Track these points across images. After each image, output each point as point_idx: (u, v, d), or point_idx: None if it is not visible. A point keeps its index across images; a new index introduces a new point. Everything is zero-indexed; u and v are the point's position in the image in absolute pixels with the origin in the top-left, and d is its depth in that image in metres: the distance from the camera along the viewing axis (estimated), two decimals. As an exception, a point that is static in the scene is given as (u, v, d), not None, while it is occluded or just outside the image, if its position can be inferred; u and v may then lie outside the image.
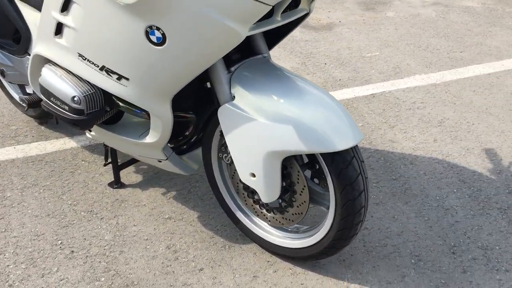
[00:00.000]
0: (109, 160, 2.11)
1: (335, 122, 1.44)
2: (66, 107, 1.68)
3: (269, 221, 1.75)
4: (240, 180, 1.74)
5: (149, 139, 1.71)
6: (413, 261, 1.81)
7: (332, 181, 1.51)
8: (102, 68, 1.56)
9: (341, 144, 1.42)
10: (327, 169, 1.51)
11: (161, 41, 1.39)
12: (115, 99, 1.72)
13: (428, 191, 2.15)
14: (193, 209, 2.07)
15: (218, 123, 1.70)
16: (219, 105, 1.59)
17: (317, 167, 1.62)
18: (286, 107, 1.46)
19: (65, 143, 2.53)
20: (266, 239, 1.80)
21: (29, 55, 2.09)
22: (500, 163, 2.34)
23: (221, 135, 1.70)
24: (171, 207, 2.09)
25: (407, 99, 2.91)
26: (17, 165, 2.36)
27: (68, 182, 2.25)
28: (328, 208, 1.63)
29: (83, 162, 2.38)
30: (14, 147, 2.50)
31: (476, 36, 3.80)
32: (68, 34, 1.58)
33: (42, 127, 2.66)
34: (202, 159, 1.88)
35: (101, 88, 1.69)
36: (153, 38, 1.40)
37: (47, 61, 1.77)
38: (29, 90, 2.57)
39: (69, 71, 1.69)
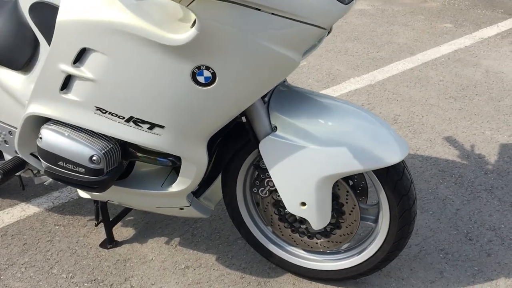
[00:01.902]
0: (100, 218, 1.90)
1: (383, 136, 1.45)
2: (82, 169, 1.47)
3: (311, 247, 1.70)
4: (275, 212, 1.67)
5: (177, 187, 1.56)
6: (441, 255, 1.88)
7: (387, 194, 1.51)
8: (130, 119, 1.39)
9: (395, 157, 1.43)
10: (379, 184, 1.50)
11: (210, 81, 1.28)
12: (134, 151, 1.55)
13: (419, 185, 2.25)
14: (207, 252, 1.94)
15: (245, 158, 1.62)
16: (256, 139, 1.51)
17: (351, 183, 1.61)
18: (333, 129, 1.44)
19: (23, 209, 2.22)
20: (305, 266, 1.74)
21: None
22: (464, 148, 2.53)
23: (255, 169, 1.61)
24: (183, 255, 1.93)
25: (354, 102, 3.02)
26: (-22, 246, 2.02)
27: (50, 253, 1.97)
28: (374, 222, 1.64)
29: (57, 227, 2.10)
30: (-37, 227, 2.13)
31: (382, 36, 4.08)
32: (81, 87, 1.38)
33: (-14, 197, 2.31)
34: (213, 198, 1.77)
35: (118, 141, 1.51)
36: (201, 79, 1.28)
37: (44, 120, 1.54)
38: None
39: (78, 127, 1.48)
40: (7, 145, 1.82)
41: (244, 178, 1.68)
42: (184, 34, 1.21)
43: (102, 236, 2.03)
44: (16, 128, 1.75)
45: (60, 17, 1.30)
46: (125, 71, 1.31)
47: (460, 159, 2.43)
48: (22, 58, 1.59)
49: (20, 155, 1.66)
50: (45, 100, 1.45)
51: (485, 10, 4.64)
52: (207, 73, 1.27)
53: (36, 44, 1.56)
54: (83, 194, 1.75)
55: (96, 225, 1.92)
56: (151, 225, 2.09)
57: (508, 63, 3.49)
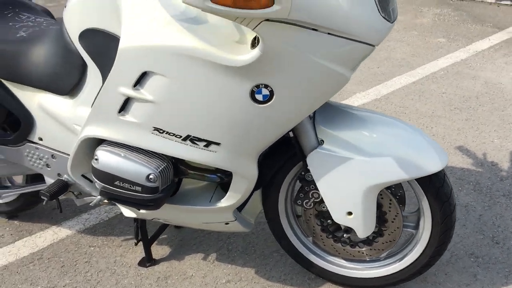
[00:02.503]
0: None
1: (424, 146, 1.53)
2: (139, 188, 1.51)
3: (353, 256, 1.76)
4: (317, 223, 1.73)
5: (226, 202, 1.62)
6: (472, 259, 1.96)
7: (429, 201, 1.58)
8: (187, 138, 1.45)
9: (436, 165, 1.51)
10: (422, 191, 1.58)
11: (268, 98, 1.35)
12: (185, 168, 1.60)
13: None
14: (246, 266, 1.99)
15: (289, 172, 1.69)
16: (302, 153, 1.58)
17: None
18: (377, 141, 1.51)
19: (55, 232, 2.24)
20: (346, 274, 1.80)
21: (29, 142, 1.83)
22: (476, 156, 2.63)
23: (299, 181, 1.67)
24: (222, 270, 1.97)
25: (365, 117, 3.11)
26: (15, 271, 2.02)
27: (90, 274, 1.99)
28: (414, 228, 1.71)
29: (92, 248, 2.13)
30: (-3, 252, 2.14)
31: (380, 51, 4.21)
32: (139, 109, 1.44)
33: (15, 222, 2.32)
34: (253, 211, 1.83)
35: (170, 159, 1.56)
36: (259, 97, 1.35)
37: (98, 142, 1.58)
38: (6, 183, 2.24)
39: (133, 147, 1.53)
40: (49, 169, 1.85)
41: (286, 191, 1.75)
42: (247, 55, 1.28)
43: (138, 255, 2.06)
44: (60, 152, 1.79)
45: (123, 44, 1.36)
46: (185, 92, 1.37)
47: (475, 167, 2.53)
48: (69, 83, 1.64)
49: (72, 177, 1.69)
50: (102, 123, 1.50)
51: (474, 24, 4.82)
52: (265, 91, 1.34)
53: (83, 69, 1.61)
54: (127, 213, 1.79)
55: (136, 244, 1.95)
56: (186, 242, 2.13)
57: (504, 74, 3.63)
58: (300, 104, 1.37)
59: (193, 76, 1.34)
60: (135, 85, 1.40)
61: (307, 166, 1.60)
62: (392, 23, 1.35)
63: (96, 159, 1.54)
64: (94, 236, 2.19)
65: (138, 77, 1.38)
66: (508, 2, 5.25)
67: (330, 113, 1.59)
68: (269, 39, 1.23)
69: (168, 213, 1.72)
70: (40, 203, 2.28)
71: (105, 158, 1.53)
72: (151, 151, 1.55)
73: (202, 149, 1.46)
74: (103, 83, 1.57)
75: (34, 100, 1.75)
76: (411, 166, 1.49)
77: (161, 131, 1.45)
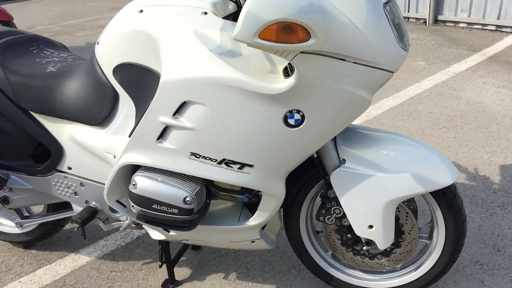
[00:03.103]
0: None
1: (437, 162, 1.67)
2: (176, 210, 1.61)
3: (371, 267, 1.88)
4: (338, 237, 1.84)
5: (255, 220, 1.72)
6: (477, 267, 2.09)
7: (442, 212, 1.72)
8: (222, 161, 1.56)
9: (449, 178, 1.65)
10: (436, 204, 1.72)
11: (299, 122, 1.48)
12: (216, 190, 1.70)
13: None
14: (266, 283, 2.08)
15: (310, 189, 1.81)
16: (324, 172, 1.70)
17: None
18: (395, 158, 1.65)
19: (74, 260, 2.29)
20: (365, 286, 1.91)
21: (58, 171, 1.91)
22: (469, 171, 2.80)
23: (321, 198, 1.79)
24: (244, 288, 2.06)
25: (359, 137, 3.27)
26: (40, 298, 2.07)
27: (115, 298, 2.05)
28: (427, 238, 1.84)
29: (113, 273, 2.19)
30: (19, 281, 2.18)
31: (365, 75, 4.40)
32: (177, 136, 1.54)
33: (33, 251, 2.37)
34: (273, 229, 1.93)
35: (203, 182, 1.66)
36: (291, 121, 1.47)
37: (133, 169, 1.67)
38: (25, 213, 2.29)
39: (168, 171, 1.63)
40: (77, 196, 1.93)
41: (307, 208, 1.86)
42: (283, 83, 1.41)
43: (160, 277, 2.14)
44: (89, 180, 1.87)
45: (164, 77, 1.48)
46: (223, 119, 1.48)
47: (469, 181, 2.70)
48: (101, 114, 1.73)
49: (107, 203, 1.77)
50: (141, 150, 1.60)
51: (450, 48, 5.09)
52: (297, 116, 1.47)
53: (115, 101, 1.71)
54: (155, 235, 1.87)
55: (160, 266, 2.02)
56: (205, 263, 2.21)
57: (484, 94, 3.86)
58: (328, 126, 1.50)
59: (231, 104, 1.46)
60: (174, 114, 1.51)
61: (329, 184, 1.73)
62: (407, 51, 1.50)
63: (134, 185, 1.63)
64: (114, 261, 2.26)
65: (178, 107, 1.49)
66: (479, 26, 5.56)
67: (349, 134, 1.72)
68: (304, 69, 1.36)
69: (198, 234, 1.81)
70: (57, 232, 2.34)
71: (143, 183, 1.62)
72: (185, 175, 1.65)
73: (236, 171, 1.57)
74: (136, 113, 1.67)
75: (64, 131, 1.84)
76: (426, 180, 1.62)
77: (198, 156, 1.56)
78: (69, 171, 1.89)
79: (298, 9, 1.23)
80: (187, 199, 1.60)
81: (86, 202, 1.92)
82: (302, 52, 1.34)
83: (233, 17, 1.66)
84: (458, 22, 5.69)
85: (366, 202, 1.67)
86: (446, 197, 1.70)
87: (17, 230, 2.26)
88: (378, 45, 1.39)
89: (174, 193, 1.60)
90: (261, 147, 1.52)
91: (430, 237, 1.84)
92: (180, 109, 1.51)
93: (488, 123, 3.37)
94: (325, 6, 1.30)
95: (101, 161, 1.80)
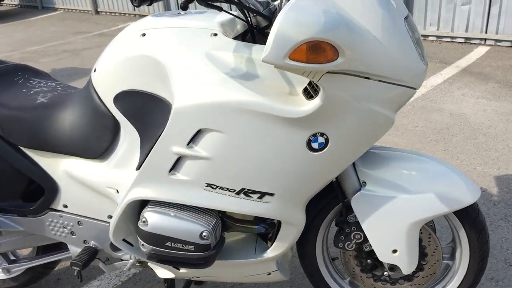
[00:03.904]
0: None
1: (458, 180, 1.61)
2: (191, 247, 1.48)
3: (393, 293, 1.79)
4: (357, 263, 1.75)
5: (273, 252, 1.61)
6: (493, 283, 2.04)
7: (466, 231, 1.66)
8: (241, 191, 1.45)
9: (472, 197, 1.59)
10: (459, 223, 1.66)
11: (323, 146, 1.39)
12: (231, 221, 1.59)
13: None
14: (279, 316, 1.96)
15: (327, 215, 1.72)
16: (343, 196, 1.62)
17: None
18: (417, 178, 1.58)
19: (67, 304, 2.12)
20: (386, 312, 1.83)
21: (53, 210, 1.75)
22: (465, 185, 2.77)
23: (341, 223, 1.70)
24: (257, 323, 1.94)
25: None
26: None
27: None
28: (449, 259, 1.77)
29: (112, 316, 2.03)
30: (8, 332, 1.99)
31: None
32: (192, 166, 1.43)
33: (22, 296, 2.18)
34: (286, 258, 1.83)
35: (218, 213, 1.55)
36: (315, 145, 1.38)
37: (142, 204, 1.54)
38: (11, 256, 2.10)
39: (182, 205, 1.51)
40: (74, 236, 1.77)
41: (323, 234, 1.77)
42: (308, 105, 1.32)
43: (164, 317, 1.99)
44: (87, 217, 1.73)
45: (177, 104, 1.37)
46: (242, 146, 1.38)
47: (468, 195, 2.67)
48: (100, 146, 1.60)
49: (116, 243, 1.62)
50: (151, 183, 1.48)
51: (423, 60, 5.14)
52: (321, 139, 1.38)
53: (116, 131, 1.59)
54: (163, 274, 1.74)
55: (166, 305, 1.88)
56: (211, 299, 2.08)
57: (465, 105, 3.89)
58: (352, 148, 1.42)
59: (251, 130, 1.36)
60: (188, 143, 1.40)
61: (348, 208, 1.64)
62: (427, 67, 1.45)
63: (144, 222, 1.50)
64: (112, 303, 2.10)
65: (193, 135, 1.38)
66: (448, 39, 5.66)
67: (367, 155, 1.64)
68: (329, 89, 1.28)
69: (211, 270, 1.69)
70: (47, 275, 2.16)
71: (155, 220, 1.49)
72: (199, 207, 1.53)
73: (255, 201, 1.47)
74: (142, 143, 1.55)
75: (59, 166, 1.69)
76: (449, 199, 1.56)
77: (215, 187, 1.45)
78: (65, 209, 1.74)
79: (328, 27, 1.16)
80: (204, 234, 1.48)
81: (85, 242, 1.77)
82: (328, 72, 1.26)
83: (242, 37, 1.57)
84: (427, 36, 5.79)
85: (389, 225, 1.59)
86: (470, 216, 1.64)
87: (2, 276, 2.08)
88: (402, 62, 1.33)
89: (190, 229, 1.48)
90: (282, 174, 1.42)
91: (452, 257, 1.77)
92: (194, 138, 1.40)
93: (475, 134, 3.38)
94: (351, 23, 1.23)
95: (101, 197, 1.66)
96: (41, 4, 10.60)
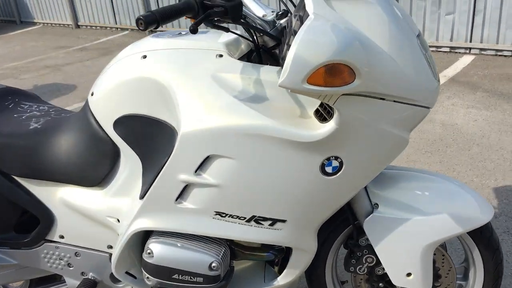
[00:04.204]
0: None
1: (471, 199, 1.56)
2: (200, 279, 1.41)
3: (406, 316, 1.74)
4: (369, 287, 1.70)
5: (284, 279, 1.54)
6: (503, 300, 2.00)
7: (480, 251, 1.61)
8: (251, 219, 1.38)
9: (486, 216, 1.55)
10: (473, 243, 1.61)
11: (337, 170, 1.33)
12: (240, 250, 1.52)
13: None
14: None
15: (336, 238, 1.66)
16: (354, 218, 1.56)
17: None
18: (430, 198, 1.53)
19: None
20: (398, 336, 1.77)
21: (48, 241, 1.66)
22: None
23: (352, 247, 1.64)
24: None
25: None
26: None
27: None
28: (462, 280, 1.73)
29: None
30: None
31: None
32: (200, 195, 1.36)
33: (11, 331, 2.07)
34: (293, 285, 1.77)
35: (227, 241, 1.48)
36: (329, 169, 1.33)
37: (147, 234, 1.46)
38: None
39: (188, 234, 1.43)
40: (71, 268, 1.68)
41: (333, 258, 1.71)
42: (322, 129, 1.26)
43: None
44: (85, 248, 1.65)
45: (185, 129, 1.30)
46: (253, 173, 1.32)
47: (468, 208, 2.64)
48: (99, 174, 1.53)
49: (119, 276, 1.54)
50: (156, 213, 1.40)
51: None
52: (335, 163, 1.32)
53: (115, 158, 1.51)
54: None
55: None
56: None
57: (456, 115, 3.89)
58: (366, 171, 1.37)
59: (263, 155, 1.30)
60: (196, 170, 1.33)
61: (359, 231, 1.59)
62: (439, 85, 1.41)
63: (149, 253, 1.42)
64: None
65: (201, 162, 1.32)
66: (433, 49, 5.69)
67: (378, 176, 1.59)
68: (345, 112, 1.23)
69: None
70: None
71: (161, 251, 1.41)
72: (207, 236, 1.46)
73: (266, 228, 1.40)
74: (144, 170, 1.47)
75: (54, 195, 1.61)
76: (463, 219, 1.52)
77: (224, 215, 1.38)
78: (61, 240, 1.65)
79: (345, 49, 1.11)
80: (213, 265, 1.40)
81: (83, 273, 1.68)
82: (343, 94, 1.21)
83: (247, 57, 1.51)
84: (412, 45, 5.80)
85: (403, 248, 1.53)
86: (484, 235, 1.60)
87: (-8, 310, 1.97)
88: (416, 81, 1.28)
89: (198, 260, 1.40)
90: (295, 200, 1.36)
91: (465, 278, 1.73)
92: (203, 164, 1.33)
93: (468, 145, 3.37)
94: (367, 43, 1.18)
95: (100, 226, 1.58)
96: (19, 19, 10.42)
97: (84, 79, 5.88)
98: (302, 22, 1.20)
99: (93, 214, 1.56)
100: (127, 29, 8.31)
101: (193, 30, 1.17)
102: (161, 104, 1.39)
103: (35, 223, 1.66)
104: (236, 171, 1.32)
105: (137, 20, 1.15)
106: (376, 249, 1.55)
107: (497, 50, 5.20)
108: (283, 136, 1.27)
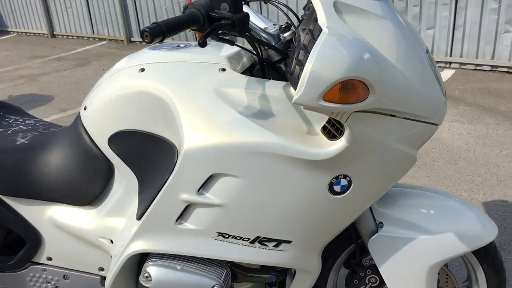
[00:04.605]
0: None
1: (476, 218, 1.53)
2: (202, 304, 1.34)
3: (408, 337, 1.69)
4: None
5: (286, 302, 1.49)
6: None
7: (484, 270, 1.58)
8: (255, 240, 1.32)
9: (492, 234, 1.52)
10: (477, 262, 1.58)
11: (345, 189, 1.29)
12: (241, 272, 1.45)
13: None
14: None
15: (337, 258, 1.61)
16: (358, 237, 1.52)
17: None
18: (435, 217, 1.50)
19: None
20: None
21: (35, 263, 1.57)
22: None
23: (354, 266, 1.59)
24: None
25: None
26: None
27: None
28: (465, 299, 1.70)
29: None
30: None
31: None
32: (202, 215, 1.29)
33: None
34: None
35: (228, 263, 1.41)
36: (337, 188, 1.28)
37: (143, 256, 1.38)
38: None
39: (188, 257, 1.36)
40: (59, 292, 1.59)
41: (334, 278, 1.66)
42: (332, 146, 1.21)
43: None
44: (74, 270, 1.56)
45: (188, 145, 1.23)
46: (259, 192, 1.26)
47: (459, 223, 2.62)
48: (92, 192, 1.45)
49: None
50: (155, 234, 1.32)
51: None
52: (343, 182, 1.28)
53: (109, 175, 1.44)
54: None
55: None
56: None
57: (440, 129, 3.90)
58: (374, 189, 1.32)
59: (270, 174, 1.24)
60: (199, 189, 1.27)
61: (362, 250, 1.55)
62: (446, 101, 1.38)
63: (147, 277, 1.34)
64: None
65: (205, 181, 1.25)
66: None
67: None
68: (356, 129, 1.19)
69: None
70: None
71: (159, 275, 1.33)
72: (208, 258, 1.39)
73: (271, 249, 1.34)
74: (140, 188, 1.40)
75: (42, 215, 1.52)
76: (469, 238, 1.49)
77: (227, 236, 1.31)
78: (49, 262, 1.56)
79: (361, 65, 1.07)
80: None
81: (71, 298, 1.59)
82: (355, 111, 1.17)
83: (250, 71, 1.46)
84: (393, 59, 5.85)
85: (409, 268, 1.49)
86: (489, 254, 1.57)
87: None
88: (427, 97, 1.25)
89: (199, 283, 1.33)
90: (302, 220, 1.31)
91: (467, 297, 1.69)
92: (206, 183, 1.26)
93: (455, 159, 3.38)
94: (380, 58, 1.15)
95: (91, 247, 1.50)
96: (-8, 27, 10.17)
97: (61, 90, 5.74)
98: (312, 36, 1.15)
99: (84, 234, 1.48)
100: (105, 39, 8.18)
101: (202, 43, 1.11)
102: (161, 120, 1.33)
103: (21, 244, 1.56)
104: (241, 190, 1.26)
105: (142, 32, 1.08)
106: (381, 269, 1.50)
107: (476, 65, 5.28)
108: (292, 154, 1.22)
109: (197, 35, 1.50)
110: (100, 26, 8.17)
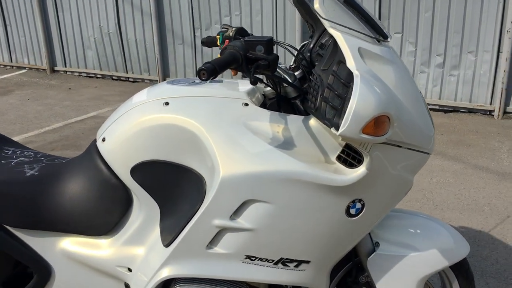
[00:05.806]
0: None
1: (453, 235, 1.75)
2: (229, 325, 1.40)
3: None
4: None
5: (296, 320, 1.59)
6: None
7: (459, 282, 1.80)
8: (279, 261, 1.42)
9: (465, 250, 1.74)
10: (453, 275, 1.79)
11: (359, 212, 1.44)
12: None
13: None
14: None
15: (334, 277, 1.74)
16: (355, 256, 1.67)
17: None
18: (422, 236, 1.70)
19: None
20: None
21: (43, 296, 1.55)
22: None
23: (350, 285, 1.73)
24: None
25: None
26: None
27: None
28: (442, 309, 1.90)
29: None
30: None
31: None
32: (233, 239, 1.37)
33: None
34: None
35: (246, 283, 1.49)
36: (353, 211, 1.43)
37: (167, 283, 1.43)
38: None
39: (208, 279, 1.43)
40: (66, 324, 1.57)
41: (334, 297, 1.79)
42: (353, 173, 1.37)
43: None
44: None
45: (225, 174, 1.32)
46: (287, 216, 1.37)
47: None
48: (109, 221, 1.48)
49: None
50: (185, 260, 1.38)
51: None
52: (358, 205, 1.43)
53: (128, 204, 1.48)
54: None
55: None
56: None
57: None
58: (380, 211, 1.49)
59: (297, 199, 1.36)
60: (231, 215, 1.36)
61: (359, 268, 1.69)
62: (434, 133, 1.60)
63: (175, 304, 1.39)
64: None
65: (238, 207, 1.35)
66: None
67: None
68: (375, 158, 1.35)
69: None
70: None
71: (190, 300, 1.39)
72: (228, 280, 1.46)
73: (292, 269, 1.45)
74: (162, 216, 1.46)
75: (54, 246, 1.51)
76: (449, 254, 1.69)
77: (254, 258, 1.41)
78: (58, 294, 1.54)
79: (390, 102, 1.25)
80: (237, 310, 1.42)
81: (78, 328, 1.57)
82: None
83: (263, 106, 1.58)
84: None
85: (403, 282, 1.67)
86: (463, 268, 1.79)
87: None
88: (424, 130, 1.45)
89: (226, 304, 1.41)
90: (321, 241, 1.44)
91: (443, 308, 1.90)
92: (238, 209, 1.36)
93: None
94: (396, 96, 1.34)
95: (106, 277, 1.51)
96: None
97: (-16, 120, 5.43)
98: (338, 77, 1.31)
99: (99, 264, 1.49)
100: (24, 68, 7.85)
101: (254, 82, 1.23)
102: (188, 151, 1.40)
103: (29, 276, 1.54)
104: (271, 215, 1.36)
105: (199, 71, 1.17)
106: (378, 285, 1.66)
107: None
108: (318, 181, 1.35)
109: (232, 73, 1.62)
110: (19, 54, 7.84)
